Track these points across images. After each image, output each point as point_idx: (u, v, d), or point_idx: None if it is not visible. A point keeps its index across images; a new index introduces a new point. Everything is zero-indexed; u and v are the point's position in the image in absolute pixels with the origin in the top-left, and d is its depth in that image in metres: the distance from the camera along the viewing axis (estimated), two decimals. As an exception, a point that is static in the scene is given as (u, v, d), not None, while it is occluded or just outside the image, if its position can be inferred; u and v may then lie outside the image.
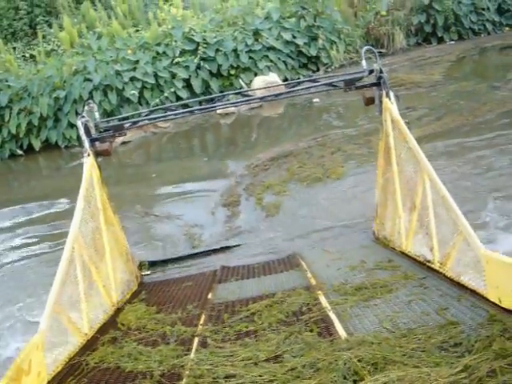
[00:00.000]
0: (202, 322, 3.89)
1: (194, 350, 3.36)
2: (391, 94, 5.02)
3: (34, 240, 7.75)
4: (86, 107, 5.20)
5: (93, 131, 5.07)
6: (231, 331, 3.57)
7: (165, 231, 7.29)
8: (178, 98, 13.52)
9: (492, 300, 3.13)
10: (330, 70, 14.97)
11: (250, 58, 14.28)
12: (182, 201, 8.24)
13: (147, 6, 17.01)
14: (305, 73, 14.93)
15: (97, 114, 5.26)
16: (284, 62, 14.74)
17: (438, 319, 3.15)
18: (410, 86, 11.96)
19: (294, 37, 14.86)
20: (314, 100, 12.38)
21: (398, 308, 3.46)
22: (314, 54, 15.05)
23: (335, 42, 15.37)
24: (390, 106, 4.97)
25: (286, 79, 14.28)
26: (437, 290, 3.64)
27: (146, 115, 5.66)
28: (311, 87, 5.56)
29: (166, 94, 13.47)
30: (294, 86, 5.51)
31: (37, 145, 13.26)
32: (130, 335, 3.80)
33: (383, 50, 15.69)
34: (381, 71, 5.10)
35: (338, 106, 11.83)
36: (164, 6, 15.80)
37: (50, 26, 16.95)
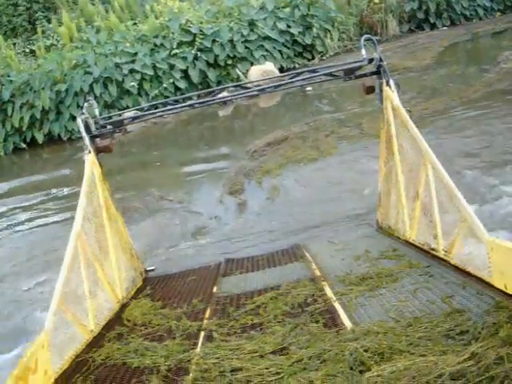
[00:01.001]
0: (207, 315, 3.89)
1: (200, 344, 3.36)
2: (391, 82, 4.99)
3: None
4: (85, 104, 5.17)
5: (93, 128, 5.05)
6: (237, 324, 3.56)
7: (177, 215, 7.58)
8: (177, 89, 13.86)
9: (498, 287, 3.11)
10: (324, 58, 15.25)
11: (246, 47, 14.57)
12: (190, 185, 8.61)
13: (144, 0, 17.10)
14: (300, 61, 15.22)
15: (97, 111, 5.23)
16: (279, 51, 15.01)
17: (444, 307, 3.14)
18: (403, 71, 12.22)
19: (289, 26, 15.12)
20: (308, 88, 12.60)
21: (403, 297, 3.45)
22: (309, 43, 15.33)
23: (329, 31, 15.66)
24: (391, 94, 4.94)
25: (281, 68, 14.62)
26: (442, 278, 3.63)
27: (146, 110, 5.63)
28: (311, 77, 5.52)
29: (164, 85, 13.79)
30: (293, 77, 5.47)
31: (40, 138, 13.60)
32: (136, 331, 3.80)
33: (377, 37, 15.86)
34: (381, 60, 5.06)
35: (330, 93, 12.16)
36: (161, -2, 15.94)
37: (48, 21, 17.16)
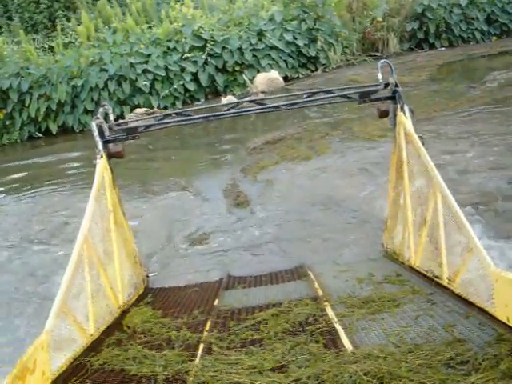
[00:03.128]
0: (207, 328, 3.87)
1: (198, 355, 3.34)
2: (406, 107, 5.01)
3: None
4: (100, 109, 5.20)
5: (107, 133, 5.08)
6: (237, 339, 3.54)
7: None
8: (186, 90, 14.73)
9: (500, 319, 3.09)
10: (327, 70, 16.13)
11: (254, 56, 15.38)
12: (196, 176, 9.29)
13: (160, 5, 17.91)
14: (304, 72, 16.11)
15: (111, 116, 5.27)
16: (285, 61, 15.84)
17: (445, 336, 3.12)
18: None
19: (295, 38, 15.91)
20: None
21: (404, 323, 3.43)
22: (313, 55, 16.16)
23: (333, 45, 16.46)
24: (404, 119, 4.95)
25: (286, 77, 15.54)
26: (444, 307, 3.60)
27: (160, 119, 5.68)
28: (326, 98, 5.55)
29: (175, 86, 14.55)
30: (309, 96, 5.50)
31: (54, 128, 14.35)
32: (135, 338, 3.79)
33: (378, 54, 16.89)
34: (396, 85, 5.09)
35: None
36: (176, 5, 16.61)
37: (68, 19, 17.95)
